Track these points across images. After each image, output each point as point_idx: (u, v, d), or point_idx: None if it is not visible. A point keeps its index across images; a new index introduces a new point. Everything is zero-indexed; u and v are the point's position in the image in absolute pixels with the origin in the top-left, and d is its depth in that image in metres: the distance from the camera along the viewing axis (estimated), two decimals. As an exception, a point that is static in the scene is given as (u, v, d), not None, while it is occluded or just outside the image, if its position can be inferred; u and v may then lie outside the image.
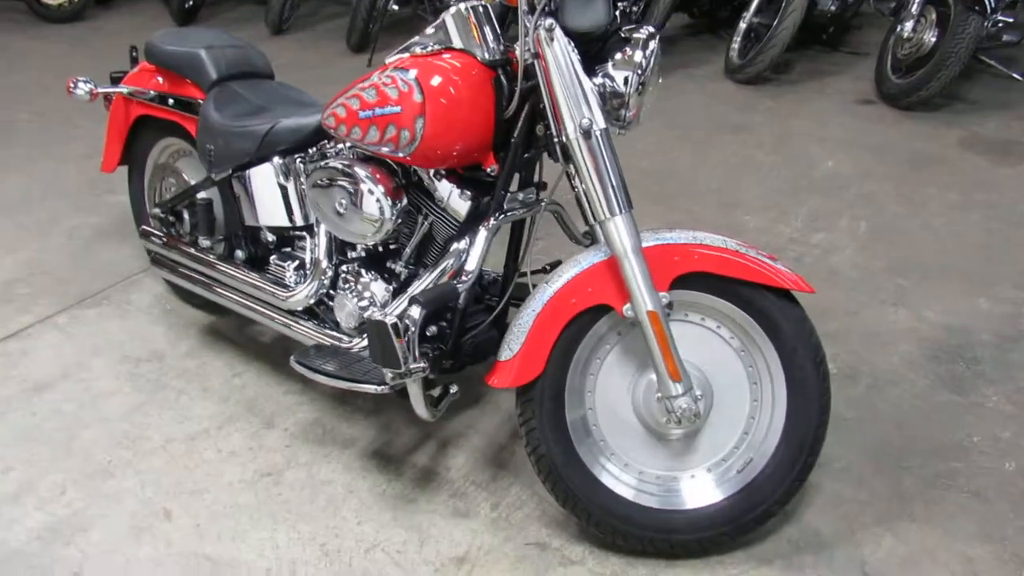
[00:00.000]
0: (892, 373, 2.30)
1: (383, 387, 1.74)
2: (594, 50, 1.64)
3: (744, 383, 1.70)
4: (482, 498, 1.88)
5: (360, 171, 1.80)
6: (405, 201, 1.83)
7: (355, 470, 1.97)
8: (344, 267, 1.99)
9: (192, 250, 2.28)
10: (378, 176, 1.81)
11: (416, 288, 1.81)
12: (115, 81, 2.49)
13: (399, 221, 1.83)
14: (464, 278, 1.71)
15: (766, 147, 3.86)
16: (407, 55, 1.74)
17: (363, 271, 1.96)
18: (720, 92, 4.62)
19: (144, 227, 2.44)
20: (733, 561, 1.72)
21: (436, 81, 1.66)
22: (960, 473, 1.95)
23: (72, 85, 2.38)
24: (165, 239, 2.36)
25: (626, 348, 1.70)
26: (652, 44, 1.63)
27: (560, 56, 1.56)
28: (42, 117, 4.29)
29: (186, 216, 2.34)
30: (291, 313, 2.06)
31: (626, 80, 1.60)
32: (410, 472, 1.97)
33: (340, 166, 1.83)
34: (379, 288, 1.91)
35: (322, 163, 1.88)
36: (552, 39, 1.56)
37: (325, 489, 1.92)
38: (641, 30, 1.64)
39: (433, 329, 1.88)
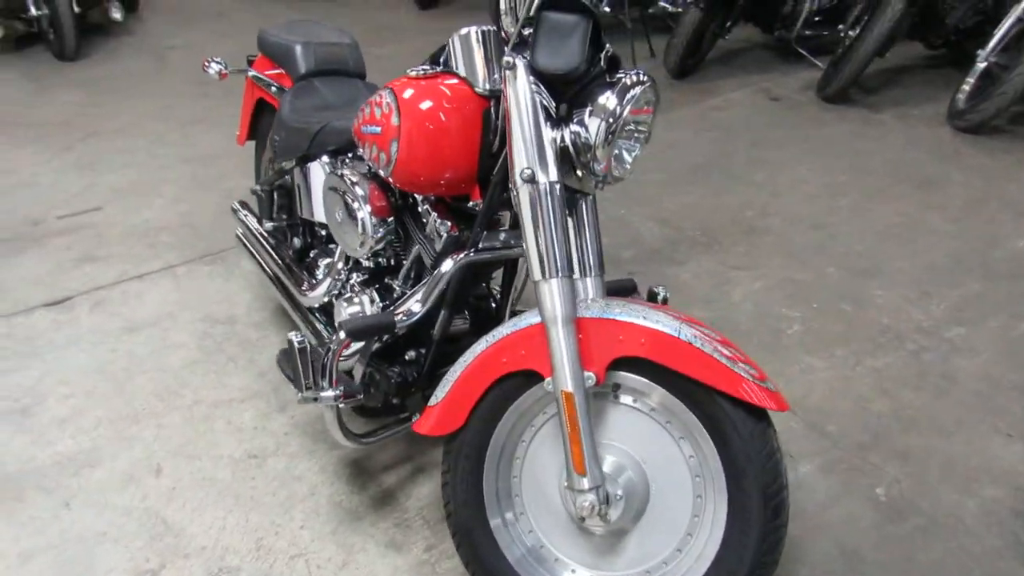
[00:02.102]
0: (956, 520, 1.86)
1: (299, 397, 1.68)
2: (571, 93, 1.47)
3: (688, 492, 1.46)
4: (422, 537, 1.81)
5: (356, 184, 1.78)
6: (390, 221, 1.79)
7: (327, 473, 1.99)
8: (354, 274, 1.99)
9: (258, 229, 2.41)
10: (373, 192, 1.78)
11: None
12: (249, 64, 2.68)
13: (383, 239, 1.79)
14: (403, 315, 1.63)
15: (948, 211, 3.28)
16: (409, 74, 1.68)
17: (366, 282, 1.95)
18: (927, 138, 4.00)
19: (235, 203, 2.61)
20: None
21: (416, 106, 1.58)
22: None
23: (206, 64, 2.59)
24: (245, 216, 2.51)
25: (565, 422, 1.53)
26: (636, 91, 1.43)
27: (519, 96, 1.42)
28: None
29: (263, 198, 2.47)
30: (309, 310, 2.11)
31: (597, 129, 1.42)
32: (373, 489, 1.94)
33: (346, 175, 1.82)
34: (368, 301, 1.89)
35: (338, 170, 1.89)
36: (515, 77, 1.42)
37: (292, 485, 1.95)
38: (631, 74, 1.44)
39: (412, 354, 1.84)
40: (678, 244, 3.04)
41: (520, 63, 1.43)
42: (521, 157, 1.42)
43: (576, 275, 1.55)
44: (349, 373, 1.89)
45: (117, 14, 5.76)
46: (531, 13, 1.42)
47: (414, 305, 1.64)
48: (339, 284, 2.02)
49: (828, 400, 2.22)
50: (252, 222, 2.49)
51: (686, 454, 1.44)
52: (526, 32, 1.43)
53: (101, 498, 1.92)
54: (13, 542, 1.80)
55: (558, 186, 1.42)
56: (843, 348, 2.44)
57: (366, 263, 1.96)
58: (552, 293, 1.40)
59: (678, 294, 2.72)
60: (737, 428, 1.37)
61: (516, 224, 1.74)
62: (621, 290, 1.92)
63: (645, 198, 3.40)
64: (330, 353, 1.58)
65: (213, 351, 2.45)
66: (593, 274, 1.56)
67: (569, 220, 1.58)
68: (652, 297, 1.92)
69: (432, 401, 1.55)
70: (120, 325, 2.57)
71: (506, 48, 1.45)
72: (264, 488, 1.95)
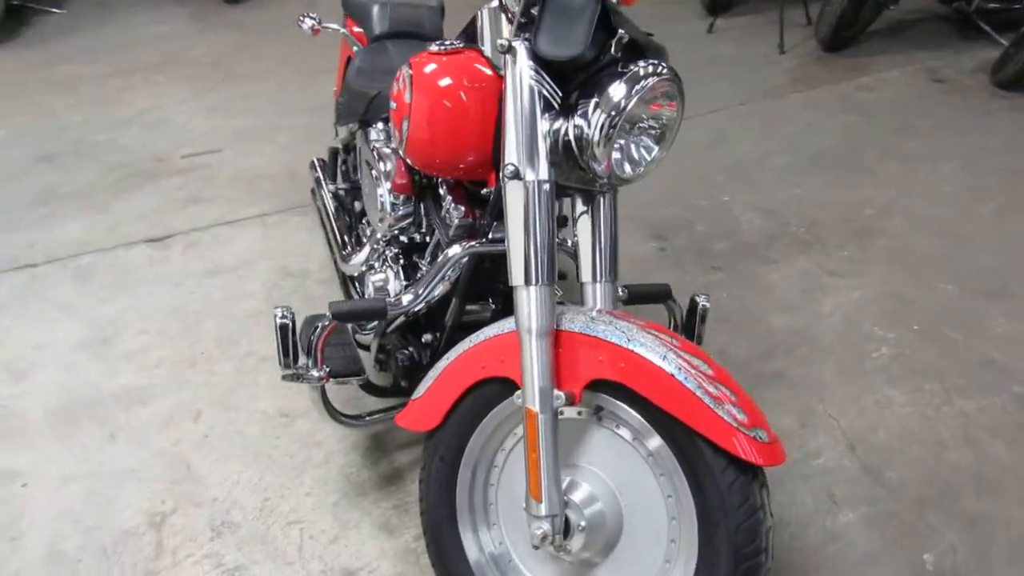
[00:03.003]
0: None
1: (284, 373, 1.63)
2: (579, 82, 1.32)
3: (662, 533, 1.32)
4: (416, 524, 1.77)
5: (381, 159, 1.73)
6: (410, 200, 1.72)
7: (346, 443, 1.99)
8: (389, 248, 1.95)
9: (322, 191, 2.41)
10: (397, 169, 1.72)
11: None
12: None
13: (403, 217, 1.72)
14: (396, 301, 1.56)
15: (1116, 232, 2.78)
16: (430, 49, 1.58)
17: (398, 257, 1.90)
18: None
19: (315, 159, 2.63)
20: None
21: (429, 83, 1.49)
22: None
23: (301, 18, 2.61)
24: (318, 174, 2.53)
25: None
26: (648, 82, 1.26)
27: (515, 83, 1.29)
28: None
29: (328, 159, 2.47)
30: (348, 278, 2.09)
31: (597, 123, 1.27)
32: (384, 466, 1.92)
33: (376, 148, 1.77)
34: (393, 276, 1.84)
35: (370, 142, 1.83)
36: (514, 62, 1.29)
37: (311, 449, 1.97)
38: (647, 64, 1.27)
39: (427, 337, 1.79)
40: (777, 240, 2.77)
41: (522, 47, 1.30)
42: (511, 151, 1.30)
43: (587, 280, 1.43)
44: (366, 347, 1.87)
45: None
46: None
47: (410, 293, 1.58)
48: (376, 255, 1.99)
49: (897, 441, 1.95)
50: (324, 181, 2.50)
51: (665, 493, 1.30)
52: (534, 11, 1.30)
53: (142, 436, 2.02)
54: (57, 465, 1.94)
55: (547, 185, 1.30)
56: (934, 382, 2.13)
57: (401, 237, 1.91)
58: (529, 302, 1.29)
59: (760, 297, 2.48)
60: (715, 476, 1.21)
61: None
62: (653, 295, 1.77)
63: (757, 184, 3.12)
64: (317, 331, 1.55)
65: (279, 303, 2.50)
66: (603, 280, 1.43)
67: (584, 218, 1.45)
68: (692, 307, 1.76)
69: (415, 394, 1.50)
70: (205, 268, 2.69)
71: (509, 28, 1.33)
72: (285, 448, 1.98)
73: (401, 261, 1.87)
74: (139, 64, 4.55)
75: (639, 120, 1.32)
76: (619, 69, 1.29)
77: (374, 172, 1.75)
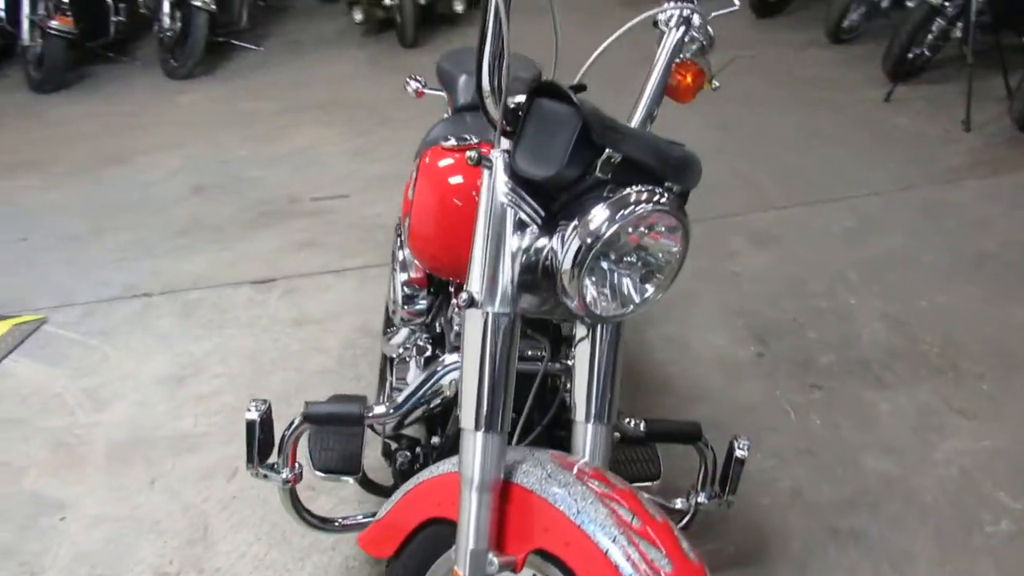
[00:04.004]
0: None
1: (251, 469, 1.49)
2: (562, 202, 1.14)
3: None
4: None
5: (404, 244, 1.63)
6: (423, 295, 1.60)
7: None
8: (420, 335, 1.84)
9: (394, 260, 2.36)
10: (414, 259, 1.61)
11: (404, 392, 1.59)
12: (445, 86, 2.62)
13: (415, 312, 1.61)
14: (375, 411, 1.44)
15: None
16: (442, 144, 1.46)
17: (424, 348, 1.79)
18: None
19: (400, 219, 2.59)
20: None
21: (432, 180, 1.38)
22: None
23: (407, 81, 2.59)
24: (396, 239, 2.48)
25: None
26: (635, 210, 1.06)
27: (487, 199, 1.14)
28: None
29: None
30: (388, 359, 2.01)
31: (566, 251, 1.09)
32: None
33: (401, 235, 1.68)
34: (415, 366, 1.73)
35: (399, 227, 1.75)
36: (490, 175, 1.14)
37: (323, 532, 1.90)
38: (644, 189, 1.08)
39: (436, 440, 1.66)
40: (899, 359, 2.37)
41: (500, 160, 1.15)
42: (473, 275, 1.15)
43: (579, 419, 1.25)
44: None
45: (459, 6, 6.17)
46: (513, 100, 1.13)
47: (389, 402, 1.45)
48: (413, 339, 1.89)
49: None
50: (401, 245, 2.45)
51: None
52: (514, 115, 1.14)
53: (178, 486, 2.05)
54: (96, 503, 2.01)
55: (506, 319, 1.13)
56: (1059, 577, 1.69)
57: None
58: (475, 449, 1.13)
59: (860, 429, 2.11)
60: None
61: (538, 325, 1.45)
62: (679, 435, 1.53)
63: (895, 287, 2.70)
64: (289, 430, 1.47)
65: (347, 364, 2.49)
66: (594, 420, 1.24)
67: (583, 346, 1.27)
68: (729, 452, 1.51)
69: (377, 515, 1.37)
70: (293, 316, 2.73)
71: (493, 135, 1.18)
72: (299, 526, 1.92)
73: (427, 353, 1.76)
74: (310, 103, 4.81)
75: (627, 252, 1.12)
76: (607, 192, 1.11)
77: (394, 258, 1.66)
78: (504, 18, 1.08)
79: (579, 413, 1.25)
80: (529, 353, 1.45)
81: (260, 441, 1.44)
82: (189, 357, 2.54)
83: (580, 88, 1.38)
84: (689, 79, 1.47)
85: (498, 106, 1.13)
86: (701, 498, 1.52)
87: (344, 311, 2.73)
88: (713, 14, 1.50)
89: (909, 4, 4.44)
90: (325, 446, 1.69)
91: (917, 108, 4.16)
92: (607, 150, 1.09)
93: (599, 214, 1.07)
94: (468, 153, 1.15)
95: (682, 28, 1.43)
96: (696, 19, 1.43)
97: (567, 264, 1.09)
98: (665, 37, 1.42)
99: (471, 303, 1.13)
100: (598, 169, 1.09)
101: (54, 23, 5.04)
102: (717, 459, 1.51)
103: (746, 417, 2.17)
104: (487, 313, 1.12)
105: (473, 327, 1.14)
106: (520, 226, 1.14)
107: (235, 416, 2.27)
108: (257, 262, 3.08)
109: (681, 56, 1.48)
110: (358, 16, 6.05)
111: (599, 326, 1.24)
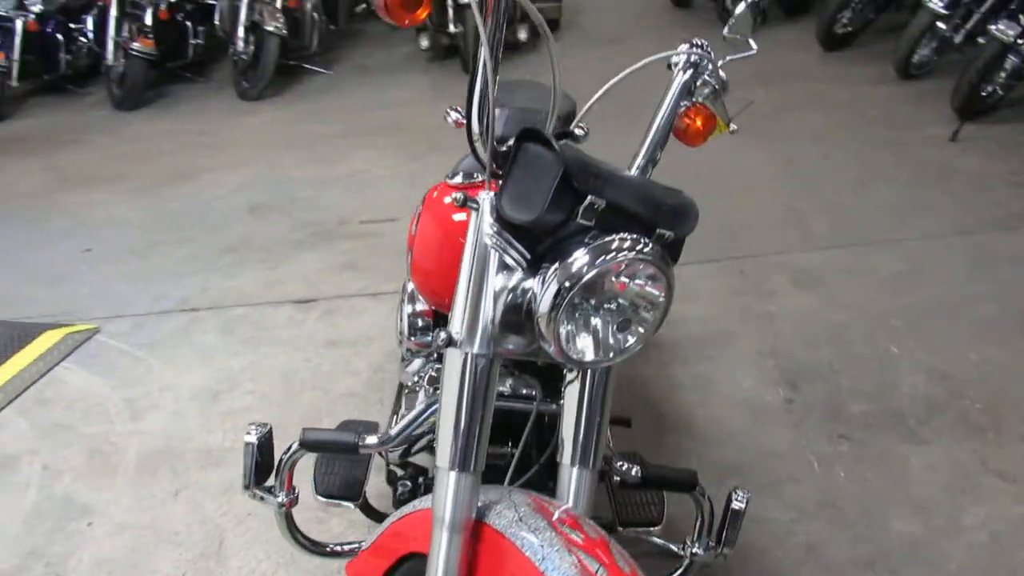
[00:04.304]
0: None
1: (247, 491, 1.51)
2: (545, 245, 1.14)
3: None
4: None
5: (410, 279, 1.65)
6: (427, 327, 1.62)
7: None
8: (432, 365, 1.86)
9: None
10: None
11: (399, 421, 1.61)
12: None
13: (421, 344, 1.63)
14: (368, 441, 1.45)
15: None
16: (447, 181, 1.49)
17: (435, 379, 1.80)
18: None
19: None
20: None
21: (434, 216, 1.40)
22: None
23: (447, 112, 2.63)
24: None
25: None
26: (615, 256, 1.06)
27: (472, 240, 1.16)
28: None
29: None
30: (402, 387, 2.03)
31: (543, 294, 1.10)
32: None
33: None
34: (424, 395, 1.74)
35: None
36: (477, 216, 1.16)
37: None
38: (627, 237, 1.08)
39: None
40: (938, 414, 2.26)
41: (487, 203, 1.16)
42: (455, 314, 1.16)
43: (564, 462, 1.24)
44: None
45: (523, 35, 6.25)
46: (501, 143, 1.15)
47: (382, 434, 1.47)
48: (426, 369, 1.91)
49: None
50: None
51: None
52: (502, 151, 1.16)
53: (199, 498, 2.11)
54: (122, 511, 2.09)
55: (483, 360, 1.14)
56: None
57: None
58: (447, 488, 1.13)
59: (888, 484, 2.02)
60: None
61: (534, 364, 1.45)
62: (674, 482, 1.49)
63: (940, 338, 2.59)
64: (286, 455, 1.50)
65: (374, 388, 2.52)
66: (579, 464, 1.24)
67: (573, 388, 1.26)
68: (727, 503, 1.48)
69: (363, 544, 1.39)
70: (328, 337, 2.79)
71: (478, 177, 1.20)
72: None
73: (437, 384, 1.78)
74: (369, 127, 4.93)
75: (607, 299, 1.12)
76: (589, 237, 1.11)
77: (403, 289, 1.69)
78: (491, 66, 1.10)
79: (565, 456, 1.24)
80: (524, 392, 1.46)
81: (257, 464, 1.48)
82: (226, 372, 2.62)
83: (566, 135, 1.39)
84: (699, 123, 1.47)
85: (486, 149, 1.15)
86: (696, 549, 1.49)
87: (377, 334, 2.77)
88: (728, 58, 1.49)
89: (981, 40, 4.29)
90: (330, 471, 1.72)
91: (984, 148, 3.99)
92: (589, 197, 1.09)
93: (578, 259, 1.07)
94: (455, 195, 1.17)
95: (689, 71, 1.43)
96: (707, 63, 1.43)
97: (544, 307, 1.09)
98: (671, 80, 1.42)
99: (449, 342, 1.14)
100: (580, 215, 1.10)
101: (136, 44, 5.33)
102: (715, 509, 1.48)
103: (768, 464, 2.11)
104: (466, 353, 1.13)
105: (451, 366, 1.15)
106: (506, 268, 1.15)
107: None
108: (300, 282, 3.16)
109: (693, 100, 1.48)
110: (424, 42, 6.20)
111: (589, 369, 1.24)
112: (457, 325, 1.14)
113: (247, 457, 1.48)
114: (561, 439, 1.26)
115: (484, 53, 1.10)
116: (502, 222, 1.14)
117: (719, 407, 2.34)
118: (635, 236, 1.10)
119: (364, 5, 6.97)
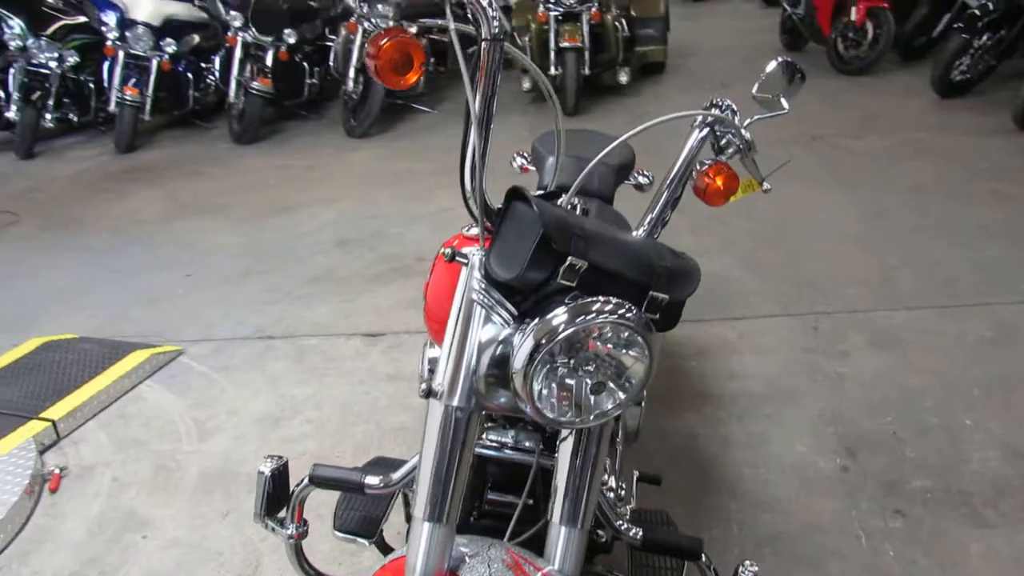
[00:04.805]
0: None
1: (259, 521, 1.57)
2: (529, 302, 1.15)
3: None
4: None
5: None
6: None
7: None
8: None
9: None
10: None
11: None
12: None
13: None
14: (374, 482, 1.48)
15: None
16: (463, 233, 1.52)
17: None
18: None
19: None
20: None
21: (448, 268, 1.43)
22: None
23: (513, 157, 2.69)
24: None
25: None
26: (594, 318, 1.07)
27: (460, 294, 1.19)
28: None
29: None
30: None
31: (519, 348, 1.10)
32: None
33: None
34: None
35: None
36: (466, 270, 1.19)
37: None
38: (609, 301, 1.08)
39: None
40: (1009, 496, 2.07)
41: (476, 258, 1.19)
42: (440, 367, 1.18)
43: (553, 520, 1.24)
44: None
45: (624, 78, 6.28)
46: (491, 203, 1.18)
47: (385, 476, 1.50)
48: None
49: None
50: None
51: None
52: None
53: (245, 522, 2.21)
54: (175, 527, 2.21)
55: (460, 413, 1.15)
56: None
57: None
58: (421, 538, 1.15)
59: (942, 570, 1.87)
60: None
61: (538, 427, 1.45)
62: (677, 549, 1.45)
63: (1020, 411, 2.39)
64: (297, 488, 1.55)
65: (400, 408, 2.58)
66: (567, 523, 1.23)
67: (566, 446, 1.26)
68: (735, 575, 1.42)
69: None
70: (389, 371, 2.87)
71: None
72: (337, 577, 2.01)
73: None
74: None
75: (585, 361, 1.12)
76: (570, 297, 1.12)
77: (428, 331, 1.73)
78: (478, 125, 1.14)
79: (555, 514, 1.24)
80: (527, 444, 1.46)
81: (269, 495, 1.54)
82: (290, 400, 2.74)
83: (554, 195, 1.39)
84: (719, 182, 1.44)
85: (477, 207, 1.18)
86: (700, 622, 1.43)
87: (436, 372, 2.83)
88: (756, 117, 1.47)
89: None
90: (351, 506, 1.76)
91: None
92: (570, 258, 1.10)
93: (556, 316, 1.08)
94: (444, 250, 1.21)
95: (705, 130, 1.42)
96: (726, 123, 1.41)
97: (518, 364, 1.10)
98: (687, 139, 1.42)
99: (429, 393, 1.17)
100: (560, 275, 1.11)
101: (256, 84, 5.72)
102: (723, 582, 1.42)
103: (812, 536, 2.00)
104: (446, 406, 1.15)
105: (432, 418, 1.17)
106: (493, 323, 1.17)
107: (309, 462, 2.41)
108: (372, 315, 3.27)
109: (715, 159, 1.46)
110: (526, 84, 6.33)
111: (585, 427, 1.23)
112: (440, 377, 1.17)
113: (260, 487, 1.55)
114: (552, 497, 1.26)
115: (473, 111, 1.13)
116: (490, 278, 1.17)
117: (768, 469, 2.24)
118: (618, 300, 1.09)
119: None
